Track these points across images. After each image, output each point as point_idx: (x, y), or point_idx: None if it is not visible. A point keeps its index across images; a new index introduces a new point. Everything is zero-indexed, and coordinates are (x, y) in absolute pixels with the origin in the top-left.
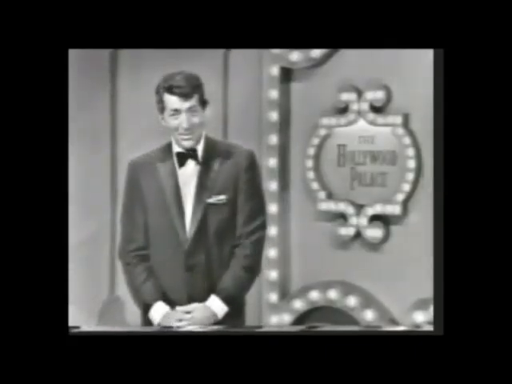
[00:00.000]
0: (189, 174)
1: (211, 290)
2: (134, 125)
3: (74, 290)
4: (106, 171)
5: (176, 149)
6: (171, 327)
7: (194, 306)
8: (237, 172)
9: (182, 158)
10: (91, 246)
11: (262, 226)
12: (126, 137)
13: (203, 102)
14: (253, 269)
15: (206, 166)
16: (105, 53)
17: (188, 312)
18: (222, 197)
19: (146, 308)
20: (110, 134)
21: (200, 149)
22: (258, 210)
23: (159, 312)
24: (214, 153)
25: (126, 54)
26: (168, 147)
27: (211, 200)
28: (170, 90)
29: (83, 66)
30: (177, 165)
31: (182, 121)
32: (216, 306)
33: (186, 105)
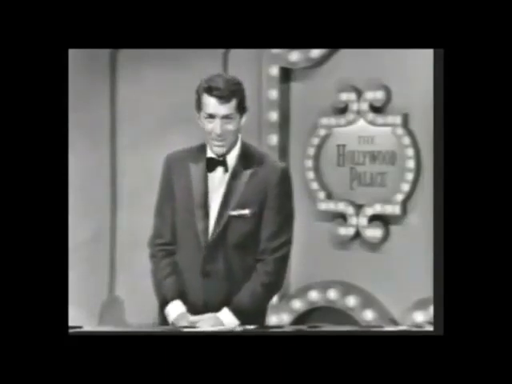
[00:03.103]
0: (217, 180)
1: (227, 300)
2: (133, 124)
3: (73, 290)
4: (105, 171)
5: (208, 153)
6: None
7: (205, 316)
8: (266, 186)
9: (212, 164)
10: (91, 246)
11: (288, 243)
12: (125, 136)
13: (241, 109)
14: (272, 286)
15: (235, 175)
16: (105, 53)
17: (197, 321)
18: (246, 211)
19: (163, 303)
20: (110, 134)
21: (233, 155)
22: (285, 226)
23: (175, 311)
24: (246, 162)
25: (125, 54)
26: (203, 148)
27: (234, 213)
28: (210, 91)
29: (83, 65)
30: (206, 169)
31: (216, 127)
32: (227, 319)
33: (222, 111)
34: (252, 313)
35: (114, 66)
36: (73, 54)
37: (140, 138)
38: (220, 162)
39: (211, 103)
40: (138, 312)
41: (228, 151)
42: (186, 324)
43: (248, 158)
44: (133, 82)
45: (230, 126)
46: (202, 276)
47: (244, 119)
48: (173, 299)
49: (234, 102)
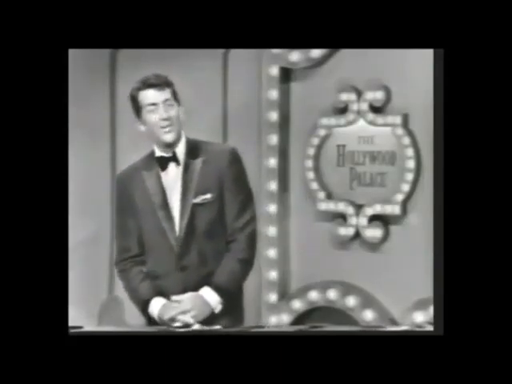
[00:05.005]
0: (172, 176)
1: (206, 285)
2: (133, 124)
3: (73, 291)
4: (105, 171)
5: (157, 153)
6: (171, 320)
7: (187, 294)
8: (219, 170)
9: (163, 162)
10: (91, 247)
11: (253, 219)
12: (125, 137)
13: (177, 100)
14: (248, 261)
15: (188, 167)
16: (105, 53)
17: (179, 301)
18: (208, 196)
19: (144, 306)
20: (110, 134)
21: (181, 150)
22: (247, 203)
23: (157, 305)
24: (195, 153)
25: (125, 54)
26: (152, 154)
27: (197, 200)
28: (144, 85)
29: (83, 65)
30: (159, 169)
31: (160, 112)
32: (208, 295)
33: (161, 96)
34: (231, 289)
35: (113, 66)
36: (73, 54)
37: (140, 139)
38: (170, 158)
39: (149, 94)
40: (138, 312)
41: (177, 139)
42: (172, 312)
43: (195, 148)
44: (133, 82)
45: (173, 112)
46: (179, 271)
47: (182, 113)
48: (152, 298)
49: (168, 90)
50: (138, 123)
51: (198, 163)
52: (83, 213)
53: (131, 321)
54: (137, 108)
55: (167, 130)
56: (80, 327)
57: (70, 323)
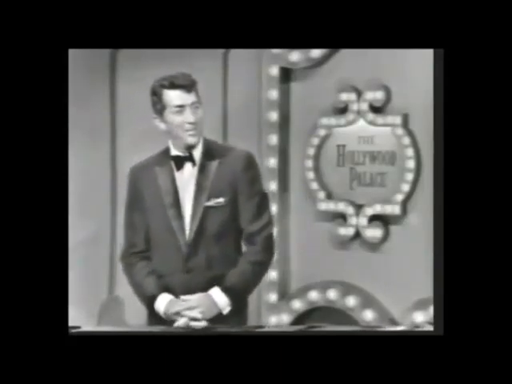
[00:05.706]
0: (186, 176)
1: (211, 287)
2: (133, 125)
3: (73, 291)
4: (105, 171)
5: (173, 152)
6: (177, 314)
7: (196, 295)
8: (234, 174)
9: (179, 161)
10: (91, 247)
11: (270, 223)
12: (125, 137)
13: (200, 101)
14: (261, 264)
15: (203, 168)
16: (105, 53)
17: (187, 300)
18: (221, 199)
19: (150, 301)
20: (110, 134)
21: (198, 151)
22: (263, 208)
23: (164, 301)
24: (211, 155)
25: (125, 54)
26: (166, 151)
27: (209, 203)
28: (172, 85)
29: (83, 65)
30: (174, 168)
31: (188, 115)
32: (217, 295)
33: (190, 99)
34: (241, 291)
35: (113, 66)
36: (73, 54)
37: (140, 139)
38: (187, 157)
39: (176, 95)
40: (138, 312)
41: (198, 141)
42: (178, 307)
43: (212, 150)
44: (133, 82)
45: (200, 113)
46: (184, 273)
47: (203, 113)
48: (158, 293)
49: (194, 92)
50: (158, 120)
51: (213, 165)
52: (83, 213)
53: (131, 321)
54: (159, 105)
55: (193, 133)
56: (77, 327)
57: (70, 323)
